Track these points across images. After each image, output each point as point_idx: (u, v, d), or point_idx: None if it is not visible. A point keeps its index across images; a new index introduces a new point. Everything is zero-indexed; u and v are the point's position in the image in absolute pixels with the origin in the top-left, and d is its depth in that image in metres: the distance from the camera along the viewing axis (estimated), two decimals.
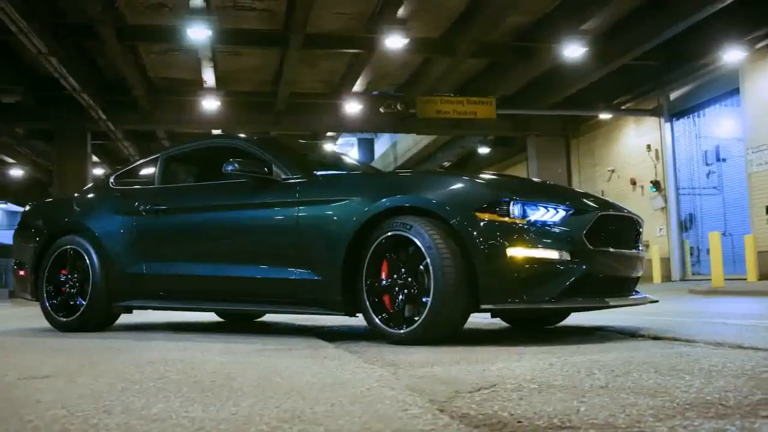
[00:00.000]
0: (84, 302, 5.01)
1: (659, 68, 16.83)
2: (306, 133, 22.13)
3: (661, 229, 18.28)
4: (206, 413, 1.79)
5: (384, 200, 3.84)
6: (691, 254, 17.78)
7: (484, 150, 24.35)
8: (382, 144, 37.48)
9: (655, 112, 18.34)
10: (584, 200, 4.05)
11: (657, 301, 4.61)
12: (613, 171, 20.09)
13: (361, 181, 4.30)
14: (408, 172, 4.87)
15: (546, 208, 3.67)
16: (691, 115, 17.81)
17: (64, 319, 5.07)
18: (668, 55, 16.24)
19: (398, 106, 17.70)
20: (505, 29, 15.54)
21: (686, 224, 17.96)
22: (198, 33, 13.50)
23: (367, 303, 3.81)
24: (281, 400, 1.98)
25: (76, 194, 5.78)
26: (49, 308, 5.15)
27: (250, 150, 4.64)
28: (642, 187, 18.87)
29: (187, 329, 5.28)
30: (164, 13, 14.58)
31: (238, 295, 4.49)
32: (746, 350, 3.23)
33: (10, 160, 25.53)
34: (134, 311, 5.35)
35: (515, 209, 3.60)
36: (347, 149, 52.30)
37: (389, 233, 3.75)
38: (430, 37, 15.99)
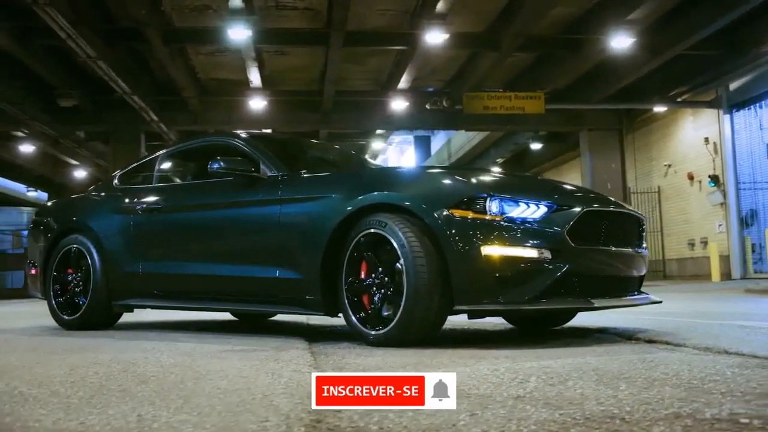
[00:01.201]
0: (86, 301, 5.08)
1: (717, 58, 16.07)
2: (354, 131, 22.17)
3: (720, 225, 17.51)
4: (57, 424, 1.73)
5: (360, 198, 3.76)
6: (753, 251, 16.96)
7: (536, 146, 23.85)
8: (438, 141, 37.26)
9: (713, 104, 17.55)
10: (570, 196, 3.85)
11: (660, 302, 4.37)
12: (669, 166, 19.36)
13: (342, 178, 4.21)
14: (390, 168, 4.74)
15: (527, 204, 3.50)
16: (752, 106, 16.95)
17: (68, 318, 5.15)
18: (726, 43, 15.50)
19: (444, 103, 17.49)
20: (551, 22, 15.16)
21: (747, 220, 17.13)
22: (238, 33, 13.66)
23: (346, 302, 3.72)
24: (157, 407, 1.92)
25: (83, 194, 5.88)
26: (55, 306, 5.24)
27: (241, 147, 4.61)
28: (700, 181, 18.10)
29: (185, 328, 5.30)
30: (209, 14, 14.80)
31: (227, 294, 4.47)
32: (727, 356, 3.03)
33: (74, 162, 26.51)
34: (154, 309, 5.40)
35: (492, 206, 3.44)
36: (405, 147, 52.34)
37: (367, 231, 3.65)
38: (473, 31, 15.77)
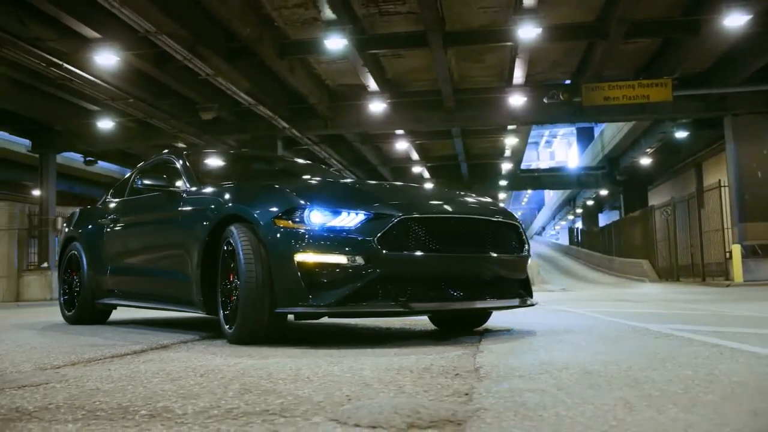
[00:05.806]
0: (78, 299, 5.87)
1: None
2: (481, 128, 22.08)
3: None
4: None
5: (223, 209, 4.18)
6: None
7: (681, 134, 22.20)
8: (597, 133, 36.03)
9: None
10: (406, 203, 3.90)
11: (533, 305, 4.36)
12: None
13: (221, 191, 4.51)
14: (261, 183, 4.92)
15: (348, 213, 3.70)
16: None
17: (68, 313, 6.02)
18: None
19: (561, 96, 17.00)
20: (664, 4, 14.28)
21: None
22: (335, 43, 14.33)
23: (219, 303, 4.12)
24: None
25: (92, 206, 6.71)
26: (62, 303, 6.12)
27: (176, 164, 5.13)
28: None
29: (170, 325, 5.89)
30: (317, 26, 15.59)
31: (154, 294, 5.02)
32: (458, 354, 2.99)
33: None
34: None
35: (310, 215, 3.70)
36: (572, 139, 50.64)
37: (227, 239, 4.02)
38: (580, 21, 15.26)
